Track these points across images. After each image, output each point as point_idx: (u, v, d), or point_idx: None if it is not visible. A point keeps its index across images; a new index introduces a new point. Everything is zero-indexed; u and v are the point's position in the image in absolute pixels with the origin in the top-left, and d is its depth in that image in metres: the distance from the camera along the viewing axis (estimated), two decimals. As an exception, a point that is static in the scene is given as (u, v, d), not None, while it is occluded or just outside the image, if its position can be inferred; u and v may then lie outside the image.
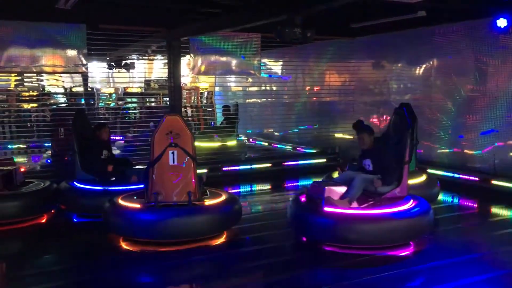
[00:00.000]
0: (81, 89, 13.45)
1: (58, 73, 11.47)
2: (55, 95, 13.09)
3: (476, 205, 8.50)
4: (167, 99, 10.90)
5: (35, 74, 11.34)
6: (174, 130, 6.29)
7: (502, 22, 8.28)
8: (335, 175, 7.84)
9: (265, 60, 12.70)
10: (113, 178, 7.60)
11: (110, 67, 12.56)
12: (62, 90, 13.29)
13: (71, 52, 9.10)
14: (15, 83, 11.95)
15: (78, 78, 13.62)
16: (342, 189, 6.13)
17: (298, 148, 12.72)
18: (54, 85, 13.37)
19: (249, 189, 9.87)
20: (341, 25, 10.41)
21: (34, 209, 7.22)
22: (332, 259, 5.82)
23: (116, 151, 10.03)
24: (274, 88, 13.84)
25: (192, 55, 10.42)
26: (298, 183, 10.48)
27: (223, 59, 10.73)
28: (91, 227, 7.04)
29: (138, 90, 14.13)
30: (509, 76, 8.73)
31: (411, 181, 6.93)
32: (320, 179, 7.45)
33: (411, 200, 6.27)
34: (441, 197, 8.25)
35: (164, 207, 6.17)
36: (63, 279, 5.24)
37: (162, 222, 6.06)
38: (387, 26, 9.63)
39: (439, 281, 5.05)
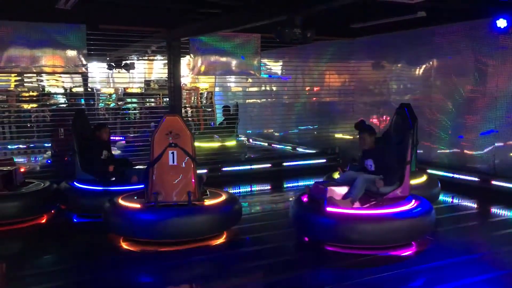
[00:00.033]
0: (81, 89, 13.44)
1: (58, 73, 11.49)
2: (55, 95, 13.08)
3: (476, 206, 8.50)
4: (167, 99, 10.90)
5: (35, 75, 11.34)
6: (174, 130, 6.29)
7: (501, 23, 8.29)
8: (336, 175, 7.84)
9: (265, 61, 12.70)
10: (113, 178, 7.60)
11: (110, 67, 12.56)
12: (62, 91, 13.28)
13: (71, 53, 9.10)
14: (15, 83, 11.95)
15: (78, 79, 13.62)
16: (344, 189, 6.14)
17: (297, 149, 12.74)
18: (54, 86, 13.38)
19: (249, 189, 9.87)
20: (341, 26, 10.42)
21: (34, 209, 7.22)
22: (334, 259, 5.82)
23: (116, 152, 10.05)
24: (274, 88, 13.84)
25: (192, 56, 10.43)
26: (298, 184, 10.48)
27: (223, 59, 10.74)
28: (91, 227, 7.05)
29: (138, 91, 14.13)
30: (509, 77, 8.74)
31: (412, 182, 6.93)
32: (320, 180, 7.44)
33: (413, 200, 6.28)
34: (441, 197, 8.25)
35: (164, 207, 6.17)
36: (63, 279, 5.24)
37: (161, 222, 6.07)
38: (387, 26, 9.64)
39: (441, 281, 5.06)
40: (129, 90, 14.19)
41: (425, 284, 5.27)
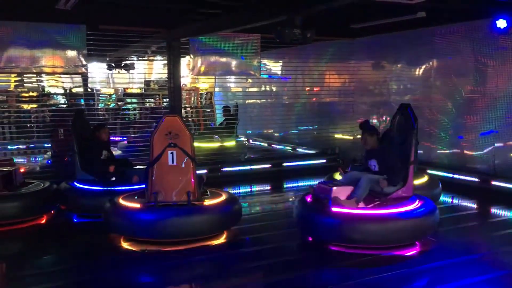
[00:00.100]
0: (81, 89, 13.44)
1: (58, 73, 11.50)
2: (55, 95, 13.09)
3: (476, 206, 8.50)
4: (167, 99, 10.90)
5: (35, 75, 11.34)
6: (173, 130, 6.30)
7: (501, 23, 8.29)
8: (336, 175, 7.85)
9: (265, 61, 12.70)
10: (113, 178, 7.61)
11: (110, 67, 12.56)
12: (62, 91, 13.29)
13: (71, 53, 9.10)
14: (15, 83, 11.95)
15: (78, 79, 13.62)
16: (349, 190, 6.14)
17: (297, 149, 12.74)
18: (54, 86, 13.38)
19: (249, 189, 9.87)
20: (341, 26, 10.42)
21: (34, 209, 7.22)
22: (338, 259, 5.81)
23: (117, 152, 10.05)
24: (274, 88, 13.84)
25: (192, 56, 10.43)
26: (298, 184, 10.49)
27: (223, 59, 10.75)
28: (91, 227, 7.05)
29: (138, 91, 14.13)
30: (508, 77, 8.74)
31: (414, 182, 6.92)
32: (320, 180, 7.44)
33: (417, 200, 6.29)
34: (441, 197, 8.25)
35: (163, 207, 6.18)
36: (63, 279, 5.24)
37: (161, 222, 6.08)
38: (387, 26, 9.64)
39: (443, 281, 5.07)
40: (129, 91, 14.20)
41: (428, 284, 5.28)
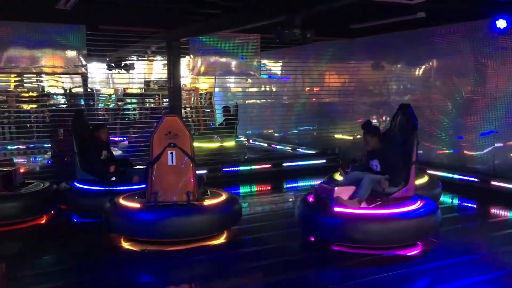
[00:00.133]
0: (80, 90, 13.46)
1: (57, 74, 11.51)
2: (54, 96, 13.09)
3: (475, 206, 8.50)
4: (167, 100, 10.90)
5: (34, 75, 11.34)
6: (173, 130, 6.31)
7: (501, 23, 8.30)
8: (336, 176, 7.85)
9: (264, 61, 12.70)
10: (113, 178, 7.61)
11: (109, 68, 12.56)
12: (61, 91, 13.30)
13: (71, 53, 9.10)
14: (15, 83, 11.95)
15: (78, 79, 13.64)
16: (350, 190, 6.15)
17: (297, 149, 12.74)
18: (53, 86, 13.39)
19: (249, 190, 9.87)
20: (341, 26, 10.43)
21: (34, 209, 7.22)
22: (340, 259, 5.81)
23: (117, 152, 10.05)
24: (274, 89, 13.84)
25: (191, 56, 10.43)
26: (297, 184, 10.49)
27: (223, 60, 10.75)
28: (91, 227, 7.06)
29: (138, 91, 14.13)
30: (508, 77, 8.74)
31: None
32: (320, 180, 7.45)
33: (419, 200, 6.31)
34: (441, 197, 8.25)
35: (163, 206, 6.19)
36: (63, 279, 5.23)
37: (161, 221, 6.09)
38: (386, 27, 9.65)
39: (444, 281, 5.08)
40: (128, 91, 14.20)
41: (430, 284, 5.28)
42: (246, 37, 10.61)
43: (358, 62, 12.12)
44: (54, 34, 8.94)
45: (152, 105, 13.70)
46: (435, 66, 10.28)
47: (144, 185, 6.51)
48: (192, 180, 6.35)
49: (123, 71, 12.48)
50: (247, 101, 13.90)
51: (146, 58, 13.58)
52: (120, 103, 13.93)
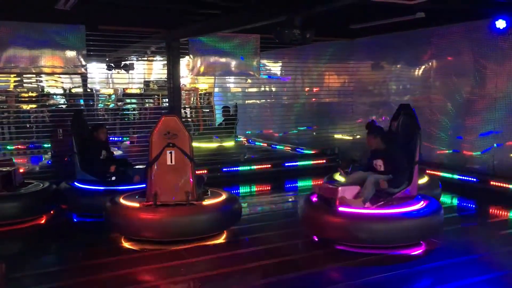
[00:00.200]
0: (80, 90, 13.45)
1: (57, 74, 11.50)
2: (54, 96, 13.09)
3: (475, 206, 8.50)
4: (167, 100, 10.90)
5: (34, 75, 11.34)
6: (172, 130, 6.32)
7: (501, 23, 8.31)
8: (336, 176, 7.86)
9: (264, 61, 12.71)
10: (113, 178, 7.62)
11: (109, 68, 12.56)
12: (61, 91, 13.30)
13: (70, 53, 9.10)
14: (15, 84, 11.95)
15: (77, 79, 13.62)
16: (354, 189, 6.17)
17: (297, 149, 12.74)
18: (53, 86, 13.39)
19: (249, 190, 9.87)
20: (341, 26, 10.43)
21: (33, 210, 7.22)
22: (343, 258, 5.80)
23: (118, 152, 10.06)
24: (273, 89, 13.84)
25: (191, 56, 10.43)
26: (297, 184, 10.49)
27: (223, 60, 10.75)
28: (91, 227, 7.08)
29: (138, 91, 14.13)
30: (508, 78, 8.74)
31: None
32: (320, 180, 7.45)
33: (422, 200, 6.33)
34: (441, 198, 8.25)
35: (162, 206, 6.20)
36: (63, 279, 5.23)
37: (160, 221, 6.12)
38: (386, 27, 9.65)
39: (446, 281, 5.10)
40: (128, 91, 14.20)
41: (432, 283, 5.29)
42: (246, 37, 10.61)
43: (358, 62, 12.13)
44: (53, 34, 8.94)
45: (151, 105, 13.69)
46: (435, 66, 10.28)
47: (145, 185, 6.53)
48: (191, 180, 6.36)
49: (122, 71, 12.48)
50: (246, 101, 13.90)
51: (145, 58, 13.58)
52: (120, 103, 13.93)
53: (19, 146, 10.63)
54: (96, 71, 13.62)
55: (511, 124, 8.75)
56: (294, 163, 11.33)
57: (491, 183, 8.78)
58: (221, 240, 6.41)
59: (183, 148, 6.33)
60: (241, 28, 9.03)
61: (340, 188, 6.12)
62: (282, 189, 10.26)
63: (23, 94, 12.03)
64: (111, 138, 10.48)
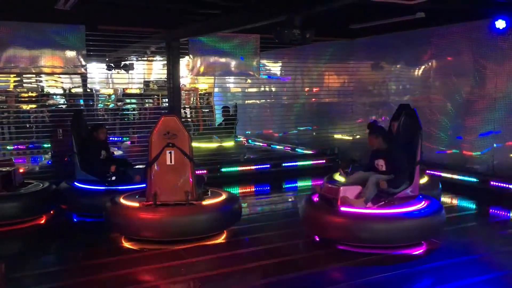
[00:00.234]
0: (80, 90, 13.44)
1: (57, 74, 11.50)
2: (54, 96, 13.08)
3: (475, 206, 8.51)
4: (167, 100, 10.90)
5: (34, 75, 11.34)
6: (171, 130, 6.33)
7: (500, 24, 8.31)
8: (336, 176, 7.86)
9: (264, 61, 12.70)
10: (113, 178, 7.62)
11: (109, 68, 12.56)
12: (61, 91, 13.29)
13: (70, 53, 9.10)
14: (14, 84, 11.94)
15: (77, 79, 13.62)
16: (356, 189, 6.17)
17: (296, 149, 12.73)
18: (53, 86, 13.38)
19: (248, 190, 9.86)
20: (340, 26, 10.43)
21: (33, 210, 7.22)
22: (345, 258, 5.80)
23: (118, 152, 10.06)
24: (273, 89, 13.84)
25: (191, 56, 10.43)
26: (297, 184, 10.49)
27: (222, 60, 10.75)
28: (91, 227, 7.09)
29: (137, 91, 14.12)
30: (507, 78, 8.74)
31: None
32: (320, 180, 7.45)
33: (423, 200, 6.34)
34: (440, 198, 8.25)
35: (162, 206, 6.21)
36: (63, 279, 5.23)
37: (159, 221, 6.13)
38: (386, 27, 9.65)
39: (446, 281, 5.11)
40: (128, 91, 14.19)
41: (433, 283, 5.30)
42: (246, 37, 10.61)
43: (358, 62, 12.13)
44: (53, 34, 8.94)
45: (151, 105, 13.68)
46: (435, 66, 10.28)
47: (145, 185, 6.53)
48: (191, 179, 6.37)
49: (122, 71, 12.47)
50: (246, 101, 13.90)
51: (145, 58, 13.57)
52: (120, 103, 13.93)
53: (19, 146, 10.62)
54: (96, 71, 13.61)
55: (510, 124, 8.74)
56: (294, 163, 11.32)
57: (491, 183, 8.78)
58: (221, 240, 6.42)
59: (182, 148, 6.34)
60: (241, 28, 9.03)
61: (341, 188, 6.13)
62: (282, 189, 10.25)
63: (23, 94, 12.02)
64: (110, 138, 10.47)
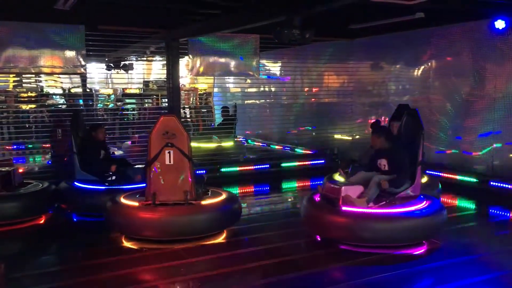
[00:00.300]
0: (79, 90, 13.44)
1: (56, 74, 11.50)
2: (53, 96, 13.08)
3: (474, 206, 8.51)
4: (166, 100, 10.89)
5: (33, 75, 11.33)
6: (170, 130, 6.34)
7: (500, 24, 8.31)
8: (336, 176, 7.86)
9: (263, 61, 12.70)
10: (113, 178, 7.62)
11: (108, 68, 12.56)
12: (60, 91, 13.28)
13: (70, 53, 9.09)
14: (14, 84, 11.94)
15: (77, 79, 13.61)
16: (357, 189, 6.18)
17: (296, 149, 12.73)
18: (52, 86, 13.38)
19: (248, 190, 9.86)
20: (340, 26, 10.43)
21: (33, 210, 7.22)
22: (347, 257, 5.80)
23: (118, 152, 10.06)
24: (273, 89, 13.84)
25: (190, 56, 10.42)
26: (296, 184, 10.48)
27: (222, 60, 10.75)
28: (91, 227, 7.09)
29: (137, 91, 14.12)
30: (507, 78, 8.75)
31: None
32: (320, 181, 7.46)
33: (425, 200, 6.35)
34: (440, 198, 8.26)
35: (161, 206, 6.22)
36: (63, 279, 5.23)
37: (158, 220, 6.15)
38: (385, 27, 9.66)
39: (447, 281, 5.12)
40: (127, 91, 14.19)
41: (433, 283, 5.31)
42: (245, 37, 10.60)
43: (357, 63, 12.13)
44: (53, 34, 8.94)
45: (151, 105, 13.68)
46: (434, 66, 10.28)
47: (145, 184, 6.54)
48: (190, 179, 6.37)
49: (122, 71, 12.47)
50: (246, 102, 13.90)
51: (145, 58, 13.57)
52: (119, 103, 13.92)
53: (19, 146, 10.61)
54: (96, 71, 13.60)
55: (510, 125, 8.75)
56: (293, 163, 11.31)
57: (491, 183, 8.78)
58: (221, 240, 6.42)
59: (181, 148, 6.35)
60: (241, 28, 9.03)
61: (343, 187, 6.13)
62: (281, 189, 10.25)
63: (23, 94, 12.01)
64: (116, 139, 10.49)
